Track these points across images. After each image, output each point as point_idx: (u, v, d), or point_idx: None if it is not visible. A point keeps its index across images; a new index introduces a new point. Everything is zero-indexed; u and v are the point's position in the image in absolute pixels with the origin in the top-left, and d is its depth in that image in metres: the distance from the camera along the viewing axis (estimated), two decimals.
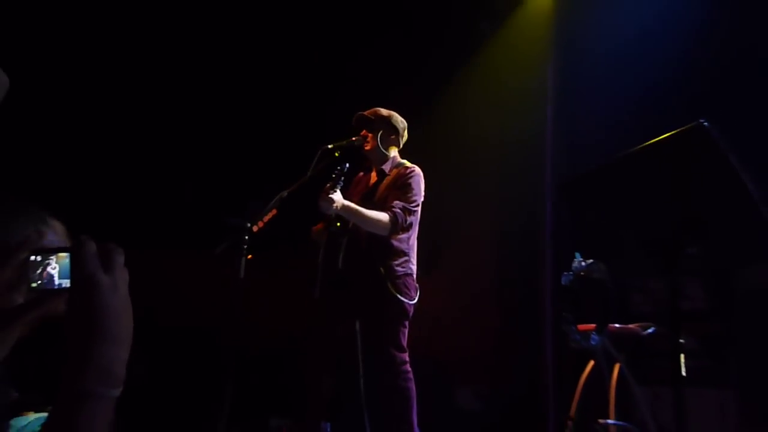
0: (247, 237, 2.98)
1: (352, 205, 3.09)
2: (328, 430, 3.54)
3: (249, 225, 3.00)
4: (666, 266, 1.91)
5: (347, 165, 3.15)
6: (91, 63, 5.08)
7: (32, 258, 0.97)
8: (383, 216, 3.10)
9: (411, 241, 3.28)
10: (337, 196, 3.04)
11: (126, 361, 0.90)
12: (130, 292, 0.93)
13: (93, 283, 0.88)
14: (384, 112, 3.41)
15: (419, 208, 3.27)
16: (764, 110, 3.91)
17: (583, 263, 2.93)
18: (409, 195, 3.19)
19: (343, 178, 3.11)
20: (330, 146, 3.22)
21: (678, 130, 1.78)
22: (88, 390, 0.84)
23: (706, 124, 1.72)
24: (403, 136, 3.46)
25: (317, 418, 3.51)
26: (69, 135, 5.11)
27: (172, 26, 5.07)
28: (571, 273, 2.97)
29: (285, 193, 3.15)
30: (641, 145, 1.88)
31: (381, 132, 3.37)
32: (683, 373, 1.91)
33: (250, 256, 3.05)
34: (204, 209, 4.66)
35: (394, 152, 3.43)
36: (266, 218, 3.06)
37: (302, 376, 3.40)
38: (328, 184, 3.08)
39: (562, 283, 3.02)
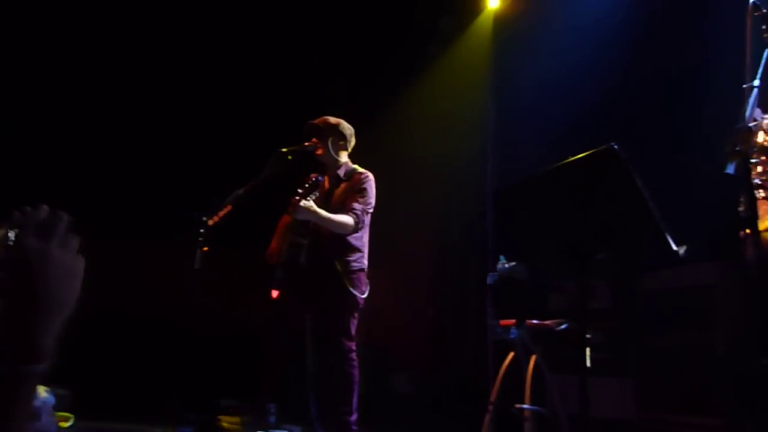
0: (202, 230, 2.94)
1: (322, 211, 3.15)
2: (273, 410, 3.53)
3: (205, 218, 2.97)
4: (578, 269, 1.99)
5: (321, 178, 3.18)
6: (55, 57, 4.89)
7: None
8: (348, 219, 3.19)
9: (364, 239, 3.35)
10: (310, 204, 3.09)
11: (58, 332, 0.81)
12: (92, 279, 0.89)
13: (27, 251, 0.81)
14: (332, 120, 3.44)
15: (372, 210, 3.34)
16: (666, 136, 4.10)
17: (506, 265, 3.01)
18: (366, 198, 3.28)
19: (315, 190, 3.14)
20: (284, 150, 3.23)
21: (592, 151, 1.84)
22: (15, 370, 0.77)
23: (615, 147, 1.79)
24: (351, 142, 3.50)
25: (265, 400, 3.50)
26: (31, 127, 4.90)
27: (137, 24, 4.94)
28: (496, 274, 3.05)
29: (241, 191, 3.14)
30: (560, 163, 1.94)
31: (331, 139, 3.39)
32: (588, 364, 1.98)
33: (205, 249, 3.02)
34: (167, 204, 4.55)
35: (344, 157, 3.46)
36: (221, 213, 3.04)
37: (253, 361, 3.39)
38: (301, 191, 3.10)
39: (488, 282, 3.10)
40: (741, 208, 1.84)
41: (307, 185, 3.12)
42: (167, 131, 5.17)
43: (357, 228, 3.21)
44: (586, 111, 4.32)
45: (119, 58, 5.11)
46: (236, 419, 3.15)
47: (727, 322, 3.45)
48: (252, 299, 3.71)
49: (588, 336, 1.98)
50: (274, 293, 3.29)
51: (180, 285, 3.11)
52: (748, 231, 1.78)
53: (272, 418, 3.46)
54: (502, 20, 4.90)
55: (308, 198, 3.07)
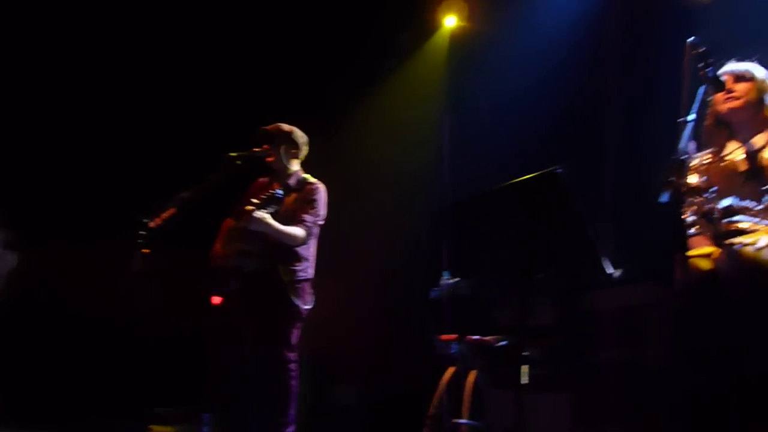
0: (143, 232, 2.86)
1: (274, 223, 3.11)
2: (207, 421, 3.44)
3: (146, 220, 2.89)
4: (517, 288, 2.03)
5: (280, 193, 3.15)
6: None
7: None
8: (299, 231, 3.17)
9: (312, 249, 3.32)
10: (266, 216, 3.06)
11: None
12: (29, 279, 0.84)
13: None
14: (286, 127, 3.40)
15: (322, 222, 3.33)
16: (610, 161, 4.26)
17: (450, 281, 3.05)
18: (317, 209, 3.27)
19: (273, 204, 3.10)
20: (234, 154, 3.18)
21: (536, 173, 1.89)
22: None
23: (559, 170, 1.84)
24: (303, 151, 3.46)
25: (201, 409, 3.42)
26: None
27: (82, 20, 4.78)
28: (439, 289, 3.07)
29: (186, 194, 3.07)
30: (506, 183, 1.98)
31: (283, 147, 3.36)
32: (525, 380, 2.02)
33: (146, 251, 2.93)
34: (107, 204, 4.40)
35: (296, 166, 3.43)
36: (164, 215, 2.97)
37: (191, 368, 3.32)
38: (256, 201, 3.06)
39: (431, 297, 3.12)
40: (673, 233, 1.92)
41: (264, 196, 3.08)
42: (108, 130, 5.00)
43: (306, 240, 3.19)
44: (536, 132, 4.44)
45: (61, 56, 4.93)
46: (168, 429, 3.06)
47: (659, 341, 3.59)
48: (194, 305, 3.62)
49: (526, 352, 2.02)
50: (215, 300, 3.23)
51: (118, 287, 3.01)
52: (678, 256, 1.87)
53: (206, 429, 3.37)
54: (458, 39, 4.99)
55: (266, 210, 3.03)
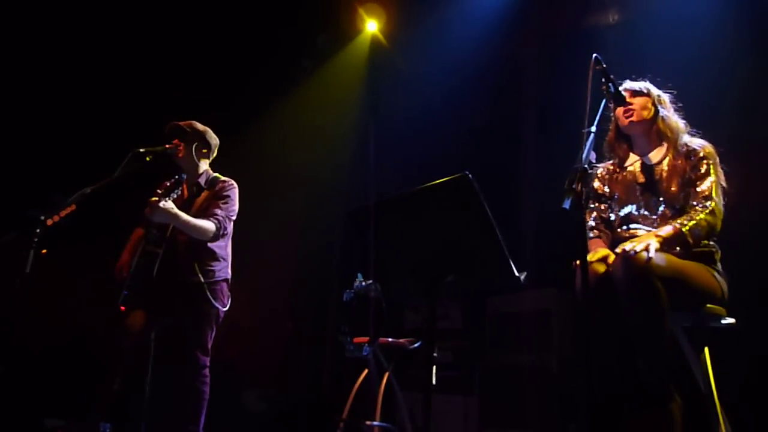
0: (39, 230, 2.65)
1: (180, 213, 2.97)
2: (108, 430, 3.24)
3: (43, 217, 2.68)
4: (427, 290, 2.05)
5: (184, 176, 3.02)
6: None
7: None
8: (209, 224, 3.05)
9: (228, 249, 3.22)
10: (169, 204, 2.91)
11: None
12: None
13: None
14: (200, 126, 3.30)
15: (234, 217, 3.23)
16: (516, 171, 4.43)
17: (363, 283, 3.05)
18: (229, 205, 3.16)
19: (177, 189, 2.97)
20: (142, 150, 3.02)
21: (447, 178, 1.92)
22: None
23: (470, 175, 1.88)
24: (214, 152, 3.39)
25: (99, 419, 3.21)
26: None
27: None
28: (351, 291, 3.07)
29: (88, 190, 2.87)
30: (418, 187, 2.00)
31: (195, 144, 3.25)
32: (434, 382, 2.05)
33: (43, 251, 2.72)
34: (4, 201, 4.06)
35: (205, 165, 3.33)
36: (63, 213, 2.76)
37: (87, 375, 3.10)
38: (160, 191, 2.92)
39: (344, 299, 3.11)
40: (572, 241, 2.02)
41: (168, 183, 2.96)
42: (4, 121, 4.63)
43: (218, 234, 3.07)
44: (454, 138, 4.56)
45: None
46: None
47: (560, 345, 3.77)
48: (92, 307, 3.41)
49: (435, 355, 2.04)
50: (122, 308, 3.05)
51: (10, 289, 2.77)
52: (577, 262, 1.96)
53: None
54: (379, 44, 5.04)
55: (168, 197, 2.90)
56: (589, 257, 2.22)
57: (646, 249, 2.08)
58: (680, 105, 2.56)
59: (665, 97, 2.53)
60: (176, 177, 2.99)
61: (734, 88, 3.38)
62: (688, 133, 2.49)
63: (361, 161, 4.88)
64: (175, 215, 2.93)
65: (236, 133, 4.02)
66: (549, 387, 3.73)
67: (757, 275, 2.86)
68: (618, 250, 2.18)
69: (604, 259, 2.24)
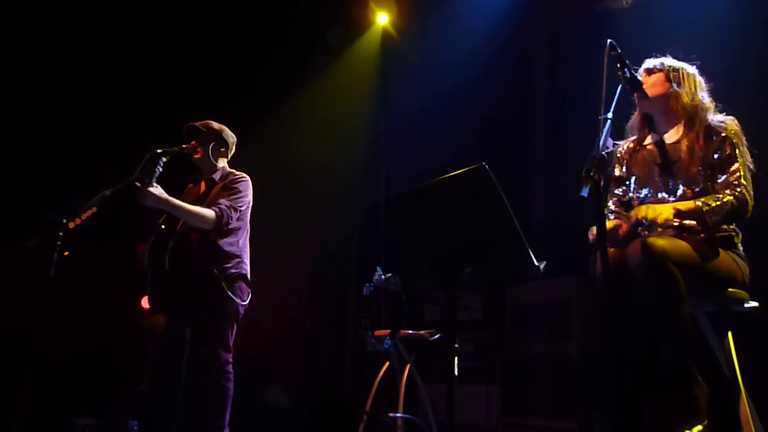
0: (62, 233, 2.71)
1: (172, 198, 2.94)
2: (136, 428, 3.31)
3: (65, 220, 2.73)
4: (447, 282, 2.06)
5: (163, 158, 2.97)
6: None
7: None
8: (207, 211, 3.00)
9: (242, 243, 3.20)
10: (157, 190, 2.89)
11: None
12: None
13: None
14: (215, 125, 3.31)
15: (247, 210, 3.20)
16: (534, 159, 4.42)
17: (382, 277, 3.06)
18: (237, 196, 3.12)
19: (159, 168, 2.93)
20: (159, 151, 3.06)
21: (464, 170, 1.93)
22: None
23: (486, 166, 1.89)
24: (231, 150, 3.40)
25: (127, 417, 3.27)
26: None
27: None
28: (371, 285, 3.09)
29: (108, 192, 2.92)
30: (435, 180, 2.01)
31: (212, 144, 3.27)
32: (456, 373, 2.06)
33: (66, 253, 2.77)
34: (22, 204, 4.13)
35: (222, 163, 3.35)
36: (85, 215, 2.81)
37: (115, 375, 3.16)
38: (146, 179, 2.91)
39: (364, 293, 3.13)
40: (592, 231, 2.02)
41: (144, 163, 2.90)
42: (24, 127, 4.71)
43: (220, 224, 3.01)
44: (467, 130, 4.55)
45: None
46: None
47: (580, 333, 3.76)
48: (117, 308, 3.48)
49: (456, 345, 2.06)
50: (145, 303, 3.09)
51: (36, 292, 2.83)
52: (596, 249, 1.96)
53: None
54: (390, 37, 5.04)
55: (152, 178, 2.86)
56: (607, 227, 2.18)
57: (657, 219, 2.06)
58: (707, 81, 2.44)
59: (688, 71, 2.42)
60: (148, 154, 2.91)
61: (755, 67, 3.32)
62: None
63: (376, 154, 4.89)
64: (166, 200, 2.90)
65: (251, 131, 4.04)
66: (570, 375, 3.74)
67: None
68: (632, 216, 2.16)
69: (615, 230, 2.21)
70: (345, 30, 5.14)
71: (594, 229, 2.00)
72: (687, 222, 2.20)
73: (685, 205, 2.20)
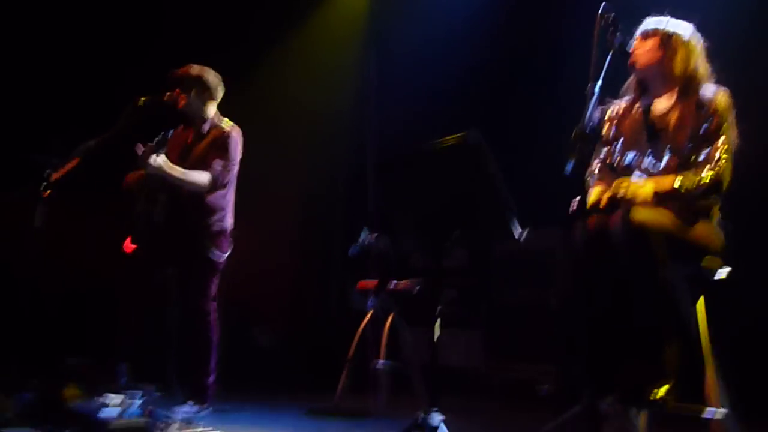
0: (45, 184, 2.74)
1: (175, 167, 3.03)
2: (125, 370, 3.44)
3: (48, 171, 2.76)
4: (434, 244, 2.14)
5: (171, 131, 3.06)
6: None
7: None
8: (204, 176, 3.10)
9: (228, 197, 3.27)
10: (161, 159, 2.97)
11: None
12: None
13: None
14: (195, 69, 3.25)
15: (236, 167, 3.25)
16: (526, 113, 4.38)
17: (368, 237, 3.13)
18: (228, 155, 3.18)
19: (164, 147, 3.01)
20: (142, 100, 3.04)
21: (453, 136, 1.96)
22: None
23: (474, 136, 1.93)
24: (218, 91, 3.32)
25: (116, 359, 3.40)
26: None
27: None
28: (357, 246, 3.16)
29: (92, 143, 2.93)
30: (425, 145, 2.05)
31: (194, 90, 3.23)
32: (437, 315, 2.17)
33: (46, 194, 2.78)
34: (10, 151, 4.09)
35: (212, 109, 3.31)
36: (68, 167, 2.83)
37: (104, 317, 3.27)
38: (150, 145, 2.96)
39: (350, 254, 3.21)
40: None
41: (156, 140, 2.99)
42: (6, 74, 4.58)
43: (215, 186, 3.13)
44: (457, 78, 4.50)
45: None
46: (77, 391, 3.04)
47: (562, 283, 3.91)
48: (104, 252, 3.54)
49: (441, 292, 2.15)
50: (128, 246, 3.16)
51: (21, 237, 2.88)
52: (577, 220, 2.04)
53: (124, 379, 3.38)
54: None
55: (158, 153, 2.95)
56: (588, 199, 2.25)
57: (636, 198, 2.12)
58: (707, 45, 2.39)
59: (683, 37, 2.37)
60: (162, 134, 3.00)
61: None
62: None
63: (366, 97, 4.85)
64: (168, 171, 2.99)
65: (240, 74, 3.99)
66: (550, 323, 3.91)
67: (755, 224, 2.91)
68: (609, 194, 2.21)
69: (597, 203, 2.28)
70: None
71: (575, 201, 2.06)
72: None
73: (662, 184, 2.24)
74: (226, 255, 3.24)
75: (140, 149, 2.97)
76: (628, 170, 2.48)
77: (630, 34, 2.36)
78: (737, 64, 2.58)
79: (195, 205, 3.16)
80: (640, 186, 2.22)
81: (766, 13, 3.37)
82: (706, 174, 2.23)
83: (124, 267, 3.18)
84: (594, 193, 2.32)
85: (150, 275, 3.19)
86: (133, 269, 3.16)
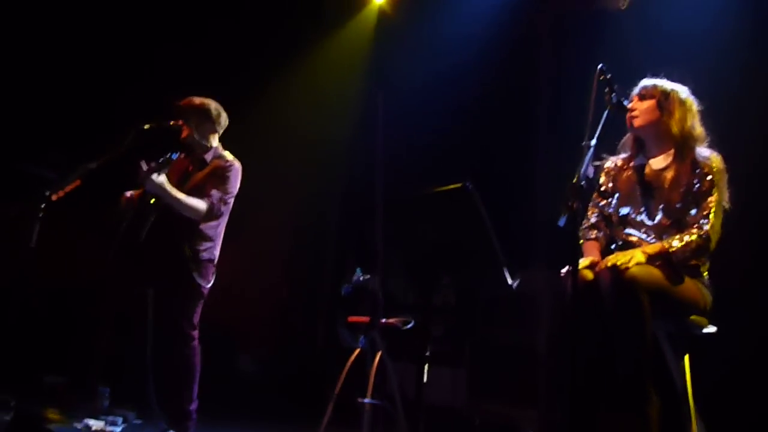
0: (44, 205, 2.75)
1: (175, 190, 3.05)
2: (107, 395, 3.41)
3: (48, 193, 2.78)
4: (422, 290, 2.18)
5: (177, 154, 3.08)
6: None
7: None
8: (201, 203, 3.11)
9: (219, 229, 3.28)
10: (162, 179, 2.99)
11: None
12: None
13: None
14: (196, 101, 3.28)
15: (232, 201, 3.27)
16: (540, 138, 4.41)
17: (362, 277, 3.16)
18: (226, 186, 3.20)
19: (166, 167, 3.03)
20: (147, 126, 3.08)
21: (447, 187, 2.01)
22: None
23: (469, 185, 1.98)
24: (220, 123, 3.35)
25: (96, 380, 3.37)
26: None
27: None
28: (350, 286, 3.18)
29: (93, 165, 2.95)
30: (421, 192, 2.10)
31: (196, 121, 3.27)
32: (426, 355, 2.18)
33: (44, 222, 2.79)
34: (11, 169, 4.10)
35: (214, 140, 3.33)
36: (68, 188, 2.85)
37: (85, 336, 3.25)
38: (153, 164, 2.98)
39: (343, 293, 3.23)
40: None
41: (161, 160, 3.01)
42: (12, 93, 4.61)
43: (211, 215, 3.14)
44: (460, 116, 4.57)
45: None
46: (57, 416, 3.00)
47: (546, 326, 3.94)
48: (84, 269, 3.53)
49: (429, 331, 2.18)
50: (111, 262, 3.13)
51: (13, 254, 2.88)
52: (569, 268, 2.08)
53: (106, 403, 3.36)
54: (386, 16, 5.00)
55: (160, 173, 2.97)
56: (580, 264, 2.31)
57: (629, 265, 2.19)
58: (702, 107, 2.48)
59: (680, 97, 2.45)
60: (168, 155, 3.03)
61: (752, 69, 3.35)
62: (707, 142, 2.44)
63: (365, 131, 4.90)
64: (167, 191, 3.00)
65: (243, 103, 4.03)
66: (535, 367, 3.93)
67: (737, 281, 2.96)
68: (603, 265, 2.28)
69: (592, 267, 2.34)
70: (340, 7, 5.08)
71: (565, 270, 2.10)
72: None
73: (652, 248, 2.31)
74: (209, 285, 3.24)
75: (144, 166, 2.99)
76: (622, 223, 2.53)
77: (625, 95, 2.44)
78: (730, 126, 2.67)
79: (187, 230, 3.16)
80: (632, 253, 2.27)
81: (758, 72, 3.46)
82: (694, 236, 2.30)
83: (103, 282, 3.18)
84: (586, 261, 2.37)
85: (128, 292, 3.18)
86: (111, 285, 3.16)
